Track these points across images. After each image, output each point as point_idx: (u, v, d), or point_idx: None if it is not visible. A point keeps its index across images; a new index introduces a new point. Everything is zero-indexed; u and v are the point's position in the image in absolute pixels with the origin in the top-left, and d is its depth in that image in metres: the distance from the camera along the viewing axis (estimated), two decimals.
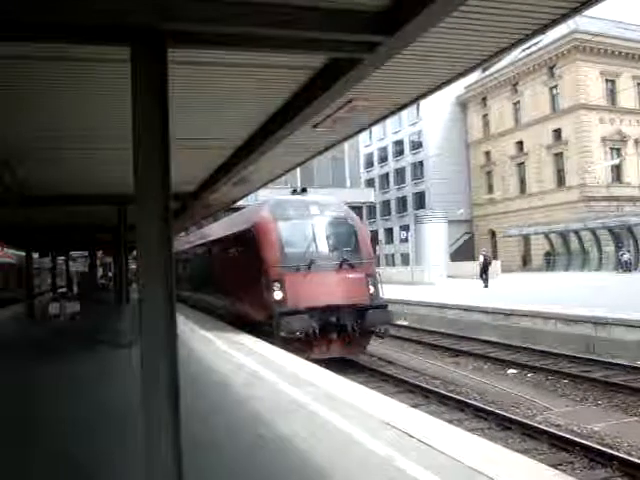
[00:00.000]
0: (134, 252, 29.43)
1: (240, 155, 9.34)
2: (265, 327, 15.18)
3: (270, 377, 9.78)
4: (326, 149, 10.01)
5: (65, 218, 17.52)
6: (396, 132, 74.07)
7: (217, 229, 23.28)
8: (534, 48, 54.76)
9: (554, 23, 4.96)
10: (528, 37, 5.24)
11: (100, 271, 51.92)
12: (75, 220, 18.31)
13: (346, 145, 43.62)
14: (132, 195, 3.89)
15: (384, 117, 8.12)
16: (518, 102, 60.66)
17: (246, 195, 16.43)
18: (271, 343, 13.71)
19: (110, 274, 46.96)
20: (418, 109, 66.10)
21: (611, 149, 54.55)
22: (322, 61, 5.56)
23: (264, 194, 26.23)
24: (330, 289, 14.99)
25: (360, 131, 9.04)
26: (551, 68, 56.39)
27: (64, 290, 35.66)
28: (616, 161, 53.19)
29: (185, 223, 24.23)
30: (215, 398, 8.46)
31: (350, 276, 15.42)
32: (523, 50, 54.49)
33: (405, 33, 4.35)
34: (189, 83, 5.99)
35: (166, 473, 3.60)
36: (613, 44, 54.19)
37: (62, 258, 42.89)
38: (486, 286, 32.77)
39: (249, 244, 16.41)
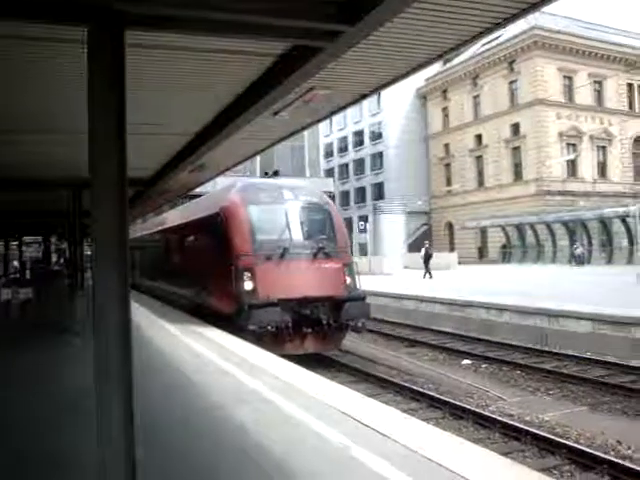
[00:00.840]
0: (89, 238, 29.08)
1: (199, 141, 9.25)
2: (234, 320, 13.91)
3: (230, 369, 9.74)
4: (286, 137, 9.98)
5: (17, 202, 17.14)
6: (357, 122, 74.24)
7: (182, 214, 21.71)
8: (495, 42, 55.40)
9: (514, 18, 5.01)
10: (488, 31, 5.29)
11: (54, 257, 50.97)
12: (28, 204, 17.93)
13: (306, 134, 43.64)
14: (87, 179, 3.81)
15: (345, 106, 8.13)
16: (478, 96, 61.36)
17: (205, 182, 16.32)
18: (240, 337, 12.71)
19: (64, 260, 46.13)
20: (379, 100, 66.40)
21: (567, 144, 55.63)
22: (283, 48, 5.53)
23: (222, 181, 25.80)
24: (304, 280, 14.08)
25: (320, 120, 9.04)
26: (511, 63, 57.14)
27: (17, 276, 34.87)
28: (572, 156, 54.29)
29: (142, 209, 23.96)
30: (169, 386, 8.39)
31: (326, 266, 14.46)
32: (484, 44, 55.08)
33: (366, 23, 4.35)
34: (148, 66, 5.89)
35: (119, 460, 3.56)
36: (571, 41, 55.17)
37: (15, 243, 41.95)
38: (430, 277, 33.65)
39: (217, 230, 15.13)
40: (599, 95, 57.88)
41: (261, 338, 12.95)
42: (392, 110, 68.04)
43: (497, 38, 54.24)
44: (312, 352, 13.87)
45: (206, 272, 16.17)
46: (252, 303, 13.19)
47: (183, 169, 11.46)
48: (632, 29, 63.32)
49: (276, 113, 7.65)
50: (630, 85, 59.39)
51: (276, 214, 14.88)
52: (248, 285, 13.72)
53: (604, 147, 57.69)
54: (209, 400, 7.60)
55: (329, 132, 77.30)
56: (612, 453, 8.37)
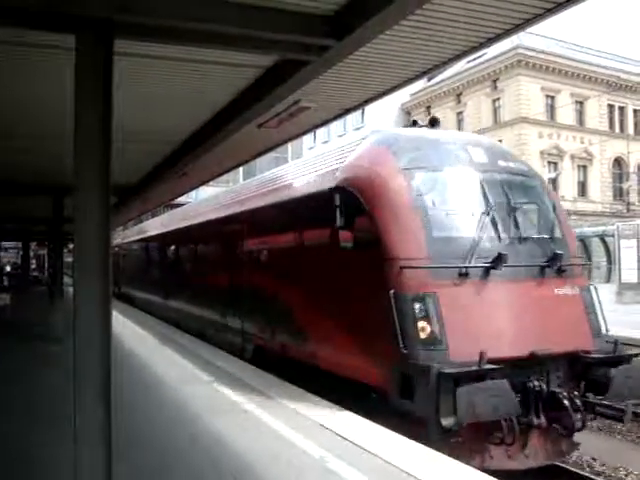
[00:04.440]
0: (70, 245, 28.86)
1: (185, 150, 9.26)
2: (387, 398, 7.32)
3: (206, 377, 9.71)
4: (271, 149, 10.00)
5: None
6: (340, 136, 74.48)
7: (249, 194, 12.82)
8: (479, 60, 55.94)
9: (498, 37, 5.10)
10: (474, 49, 5.38)
11: (34, 263, 50.49)
12: (8, 209, 17.77)
13: (290, 145, 43.70)
14: (69, 186, 3.82)
15: (329, 120, 8.18)
16: (461, 112, 61.85)
17: (189, 191, 16.27)
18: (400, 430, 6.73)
19: (43, 266, 45.78)
20: (363, 114, 66.65)
21: (549, 163, 56.17)
22: (271, 61, 5.57)
23: (205, 191, 25.54)
24: (532, 321, 7.55)
25: (305, 132, 9.09)
26: (495, 81, 57.71)
27: None
28: (553, 175, 54.79)
29: (125, 217, 23.86)
30: (151, 395, 8.34)
31: (560, 292, 7.97)
32: (468, 62, 55.62)
33: (354, 38, 4.41)
34: (135, 75, 5.90)
35: (96, 469, 3.54)
36: (555, 61, 55.87)
37: None
38: None
39: (344, 220, 8.24)
40: (580, 115, 58.62)
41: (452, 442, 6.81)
42: (376, 125, 68.41)
43: (481, 56, 54.78)
44: (534, 466, 7.37)
45: (311, 299, 9.31)
46: (443, 370, 6.59)
47: (167, 178, 11.44)
48: (614, 51, 64.34)
49: (260, 125, 7.68)
50: (611, 106, 60.19)
51: (465, 192, 8.24)
52: (423, 329, 7.09)
53: (585, 166, 58.34)
54: (189, 410, 7.57)
55: (313, 144, 77.46)
56: None
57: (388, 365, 7.22)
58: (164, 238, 19.91)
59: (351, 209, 8.16)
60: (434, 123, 9.71)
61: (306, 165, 10.95)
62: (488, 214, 7.96)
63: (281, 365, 10.27)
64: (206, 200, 18.24)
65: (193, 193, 21.61)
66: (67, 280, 21.20)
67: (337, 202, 8.24)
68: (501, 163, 8.76)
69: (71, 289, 4.04)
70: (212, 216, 14.66)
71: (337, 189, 8.44)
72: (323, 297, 8.92)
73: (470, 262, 7.49)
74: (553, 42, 57.62)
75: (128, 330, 16.13)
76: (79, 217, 3.72)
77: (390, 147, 8.58)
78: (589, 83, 57.95)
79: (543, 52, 53.84)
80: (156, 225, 22.75)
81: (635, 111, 61.37)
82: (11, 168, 11.20)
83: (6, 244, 42.86)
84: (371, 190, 8.06)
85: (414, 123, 10.35)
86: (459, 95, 62.34)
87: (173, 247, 18.91)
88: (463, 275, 7.41)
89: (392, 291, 7.14)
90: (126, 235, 30.77)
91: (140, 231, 26.07)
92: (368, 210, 7.93)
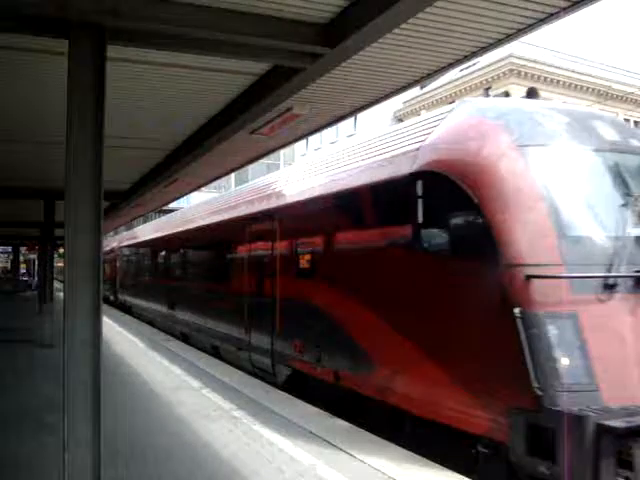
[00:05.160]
0: (61, 249, 28.70)
1: (177, 156, 9.24)
2: (492, 450, 5.62)
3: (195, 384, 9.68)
4: (263, 155, 9.99)
5: None
6: (333, 143, 74.53)
7: (283, 187, 10.58)
8: (472, 69, 56.23)
9: (492, 46, 5.11)
10: (467, 58, 5.39)
11: (23, 268, 50.24)
12: None
13: (282, 152, 43.73)
14: (60, 190, 3.81)
15: (322, 127, 8.18)
16: None
17: (179, 197, 16.22)
18: None
19: (34, 271, 45.54)
20: (355, 121, 66.75)
21: None
22: (264, 68, 5.58)
23: (197, 196, 25.13)
24: None
25: (297, 139, 9.07)
26: (487, 89, 58.01)
27: None
28: None
29: (116, 222, 23.79)
30: (139, 400, 8.31)
31: None
32: (461, 70, 55.90)
33: (347, 46, 4.43)
34: (128, 81, 5.89)
35: (85, 474, 3.53)
36: (546, 71, 56.24)
37: None
38: None
39: (431, 215, 6.50)
40: None
41: None
42: (368, 132, 68.49)
43: (474, 64, 55.06)
44: None
45: (369, 311, 7.44)
46: (604, 422, 4.79)
47: (159, 183, 11.42)
48: (605, 60, 64.76)
49: (253, 132, 7.67)
50: None
51: (603, 176, 6.28)
52: (562, 361, 5.24)
53: None
54: (178, 415, 7.54)
55: (305, 151, 77.49)
56: None
57: (506, 409, 5.31)
58: (172, 240, 17.67)
59: (446, 200, 6.29)
60: (532, 94, 7.60)
61: (355, 151, 8.64)
62: (636, 206, 5.93)
63: (327, 395, 8.45)
64: (228, 194, 15.73)
65: (184, 199, 21.31)
66: (57, 285, 21.08)
67: (420, 192, 6.45)
68: (634, 142, 6.67)
69: (61, 294, 4.03)
70: (234, 213, 12.43)
71: (421, 174, 6.50)
72: (402, 315, 6.80)
73: (618, 270, 5.56)
74: (546, 51, 57.98)
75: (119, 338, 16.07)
76: (70, 222, 3.71)
77: (498, 118, 6.39)
78: (579, 92, 58.32)
79: (535, 61, 54.26)
80: (162, 226, 20.30)
81: (625, 120, 61.92)
82: (1, 171, 11.15)
83: None
84: (480, 174, 5.98)
85: (506, 94, 8.72)
86: (451, 103, 62.50)
87: (182, 249, 16.78)
88: (609, 287, 5.47)
89: (517, 309, 5.27)
90: (125, 238, 28.55)
91: (142, 233, 23.78)
92: (475, 201, 5.86)
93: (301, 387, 9.09)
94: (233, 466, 5.62)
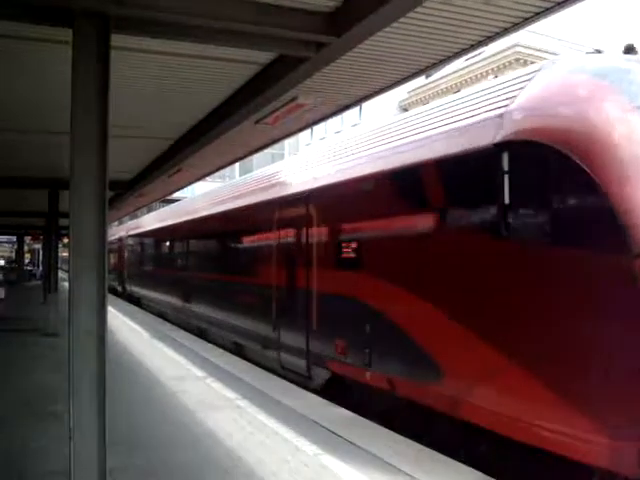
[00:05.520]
0: (65, 239, 28.76)
1: (181, 146, 9.23)
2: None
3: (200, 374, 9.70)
4: (268, 145, 9.97)
5: None
6: (337, 132, 74.35)
7: (322, 163, 9.34)
8: (478, 58, 55.95)
9: (499, 35, 5.07)
10: (473, 47, 5.34)
11: (28, 257, 50.42)
12: (3, 203, 17.72)
13: (287, 142, 43.67)
14: (65, 180, 3.80)
15: (327, 117, 8.14)
16: None
17: (183, 187, 16.20)
18: None
19: (38, 261, 45.70)
20: (360, 111, 66.52)
21: None
22: (269, 57, 5.55)
23: (201, 186, 24.90)
24: None
25: (302, 129, 9.03)
26: (494, 78, 57.82)
27: None
28: None
29: (120, 212, 23.80)
30: (144, 389, 8.34)
31: None
32: (467, 59, 55.64)
33: (352, 35, 4.40)
34: (132, 70, 5.87)
35: (91, 463, 3.54)
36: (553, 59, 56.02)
37: None
38: None
39: (525, 196, 5.32)
40: None
41: None
42: (373, 121, 68.29)
43: (480, 54, 54.77)
44: None
45: (443, 308, 6.18)
46: None
47: (163, 172, 11.41)
48: (609, 49, 64.38)
49: (258, 121, 7.65)
50: None
51: None
52: None
53: None
54: (182, 404, 7.57)
55: (310, 141, 77.36)
56: None
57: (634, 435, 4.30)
58: (188, 227, 16.25)
59: (546, 175, 5.21)
60: (631, 51, 6.50)
61: (415, 120, 7.40)
62: None
63: (373, 403, 7.52)
64: (256, 175, 13.11)
65: (188, 189, 21.16)
66: (61, 275, 21.12)
67: (506, 166, 5.35)
68: None
69: (66, 284, 4.03)
70: (262, 196, 11.05)
71: (509, 145, 5.40)
72: (481, 314, 5.67)
73: None
74: (552, 40, 57.69)
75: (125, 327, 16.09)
76: (75, 211, 3.70)
77: (605, 77, 5.35)
78: None
79: (540, 50, 54.05)
80: (177, 212, 18.71)
81: None
82: (6, 161, 11.15)
83: (0, 238, 42.76)
84: (597, 144, 4.84)
85: (598, 52, 7.73)
86: (457, 92, 62.30)
87: (201, 237, 15.43)
88: None
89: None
90: (133, 226, 27.00)
91: (154, 221, 22.19)
92: (591, 176, 4.73)
93: (341, 393, 8.09)
94: (238, 455, 5.63)
